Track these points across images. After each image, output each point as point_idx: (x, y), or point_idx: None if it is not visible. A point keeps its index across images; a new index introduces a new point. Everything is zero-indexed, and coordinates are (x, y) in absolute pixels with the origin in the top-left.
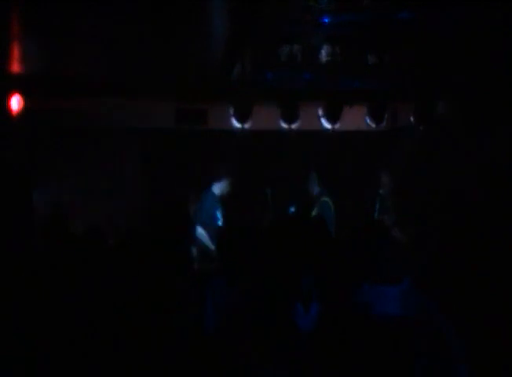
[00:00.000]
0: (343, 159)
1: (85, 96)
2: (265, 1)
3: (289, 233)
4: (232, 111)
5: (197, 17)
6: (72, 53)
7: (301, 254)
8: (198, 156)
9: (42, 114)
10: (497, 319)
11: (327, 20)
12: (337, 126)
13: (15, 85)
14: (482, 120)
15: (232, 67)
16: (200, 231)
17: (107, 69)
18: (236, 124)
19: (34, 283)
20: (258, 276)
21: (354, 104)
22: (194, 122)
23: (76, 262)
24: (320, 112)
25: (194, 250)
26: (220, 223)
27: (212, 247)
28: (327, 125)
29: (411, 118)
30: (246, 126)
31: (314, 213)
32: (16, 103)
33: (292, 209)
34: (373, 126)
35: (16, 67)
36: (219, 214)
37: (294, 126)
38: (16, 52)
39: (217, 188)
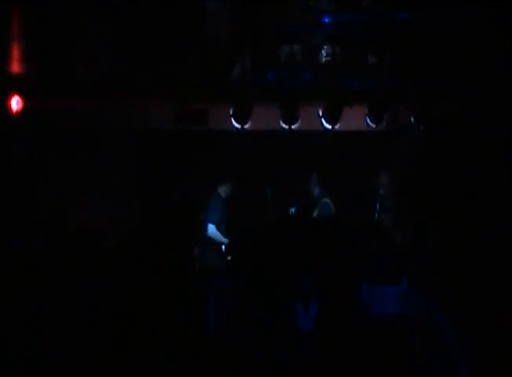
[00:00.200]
0: (343, 159)
1: (85, 96)
2: (265, 1)
3: (289, 233)
4: (231, 111)
5: (197, 17)
6: (72, 53)
7: (301, 254)
8: (198, 157)
9: (41, 114)
10: (497, 319)
11: (327, 20)
12: (337, 126)
13: (15, 85)
14: (482, 120)
15: (232, 67)
16: (213, 230)
17: (107, 69)
18: (236, 124)
19: (35, 282)
20: (258, 276)
21: (354, 104)
22: (194, 123)
23: (76, 262)
24: (320, 112)
25: (196, 250)
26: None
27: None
28: (327, 125)
29: (411, 118)
30: (246, 126)
31: (315, 214)
32: (15, 103)
33: (292, 210)
34: (373, 126)
35: (16, 67)
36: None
37: (294, 127)
38: (16, 52)
39: (223, 191)
